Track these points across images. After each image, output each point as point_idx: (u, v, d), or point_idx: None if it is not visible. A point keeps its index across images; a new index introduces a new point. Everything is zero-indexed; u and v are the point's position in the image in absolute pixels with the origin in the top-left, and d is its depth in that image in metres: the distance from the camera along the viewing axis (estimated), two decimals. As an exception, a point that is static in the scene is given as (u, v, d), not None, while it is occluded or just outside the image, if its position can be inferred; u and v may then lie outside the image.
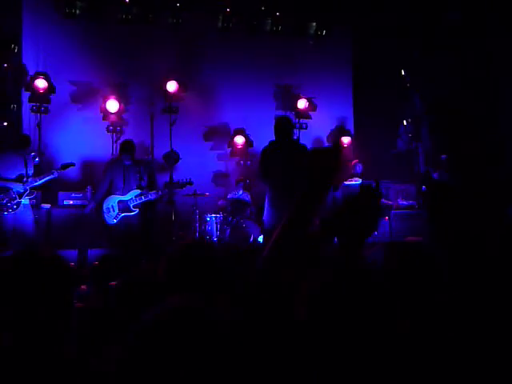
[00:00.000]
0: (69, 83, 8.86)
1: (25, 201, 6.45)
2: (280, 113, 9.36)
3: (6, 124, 8.10)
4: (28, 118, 8.40)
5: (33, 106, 8.33)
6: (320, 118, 9.83)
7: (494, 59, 8.58)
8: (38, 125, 8.25)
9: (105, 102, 8.66)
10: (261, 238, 7.17)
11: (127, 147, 7.01)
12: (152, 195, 6.96)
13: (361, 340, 1.14)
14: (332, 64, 9.98)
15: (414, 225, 7.83)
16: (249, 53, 9.49)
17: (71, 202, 7.52)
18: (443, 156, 8.41)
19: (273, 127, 5.58)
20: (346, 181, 8.32)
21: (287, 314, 1.28)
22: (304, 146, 5.56)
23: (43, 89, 8.25)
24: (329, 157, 1.57)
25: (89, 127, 8.72)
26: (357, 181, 8.38)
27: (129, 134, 8.68)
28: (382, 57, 8.90)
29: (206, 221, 7.82)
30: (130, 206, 6.88)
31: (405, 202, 8.18)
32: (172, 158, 8.55)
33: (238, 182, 8.69)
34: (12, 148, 6.62)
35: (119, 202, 6.90)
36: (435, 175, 8.33)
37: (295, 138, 8.50)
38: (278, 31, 9.54)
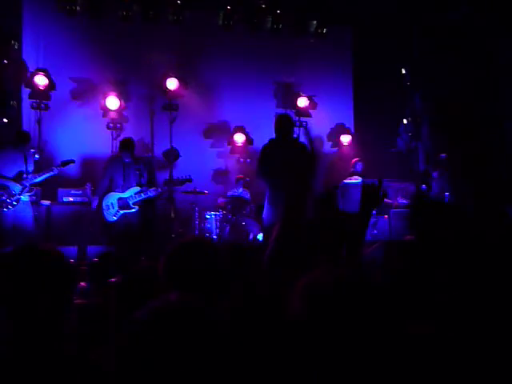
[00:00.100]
0: (69, 80, 8.85)
1: (24, 197, 6.45)
2: (280, 111, 9.36)
3: (5, 120, 8.09)
4: (28, 115, 8.40)
5: (33, 102, 8.33)
6: (320, 117, 9.82)
7: (494, 59, 8.58)
8: (38, 121, 8.25)
9: (105, 99, 8.66)
10: (260, 236, 7.17)
11: (127, 145, 7.01)
12: (151, 192, 6.96)
13: (361, 340, 1.14)
14: (332, 62, 9.98)
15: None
16: (249, 50, 9.48)
17: (71, 199, 7.52)
18: (443, 155, 8.41)
19: (273, 125, 5.57)
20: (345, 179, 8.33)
21: (287, 314, 1.28)
22: (304, 145, 5.56)
23: (43, 85, 8.25)
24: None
25: (89, 124, 8.71)
26: (357, 179, 8.38)
27: (129, 130, 8.68)
28: (382, 55, 8.90)
29: (206, 218, 7.83)
30: (129, 204, 6.88)
31: (404, 201, 8.17)
32: (172, 155, 8.55)
33: (238, 179, 8.69)
34: (12, 144, 6.61)
35: (119, 199, 6.90)
36: (434, 174, 8.34)
37: (295, 136, 8.51)
38: (279, 29, 9.54)
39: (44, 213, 7.30)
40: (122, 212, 6.90)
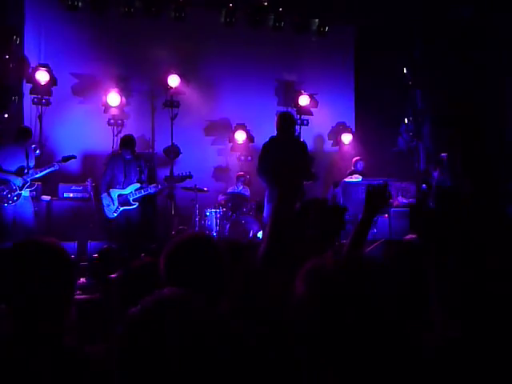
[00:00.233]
0: (70, 75, 8.85)
1: (25, 193, 6.46)
2: (281, 109, 9.34)
3: (7, 116, 8.09)
4: (29, 110, 8.39)
5: (34, 97, 8.31)
6: (321, 115, 9.82)
7: (496, 59, 8.57)
8: (40, 117, 8.24)
9: (106, 95, 8.65)
10: (260, 234, 7.18)
11: (127, 142, 7.01)
12: (151, 189, 6.97)
13: (361, 340, 1.14)
14: (334, 61, 9.98)
15: (413, 223, 7.81)
16: (251, 48, 9.47)
17: (71, 195, 7.52)
18: (443, 154, 8.41)
19: (274, 123, 5.57)
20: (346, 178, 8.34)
21: (286, 314, 1.29)
22: (304, 143, 5.56)
23: (45, 81, 8.23)
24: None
25: (90, 120, 8.71)
26: (357, 178, 8.39)
27: (130, 127, 8.68)
28: (383, 55, 8.89)
29: (206, 215, 7.83)
30: (129, 200, 6.89)
31: (405, 200, 8.17)
32: (172, 152, 8.55)
33: (239, 177, 8.69)
34: (13, 140, 6.62)
35: (119, 195, 6.91)
36: (435, 174, 8.33)
37: (296, 134, 8.51)
38: (281, 27, 9.54)
39: (44, 208, 7.30)
40: (122, 208, 6.91)
